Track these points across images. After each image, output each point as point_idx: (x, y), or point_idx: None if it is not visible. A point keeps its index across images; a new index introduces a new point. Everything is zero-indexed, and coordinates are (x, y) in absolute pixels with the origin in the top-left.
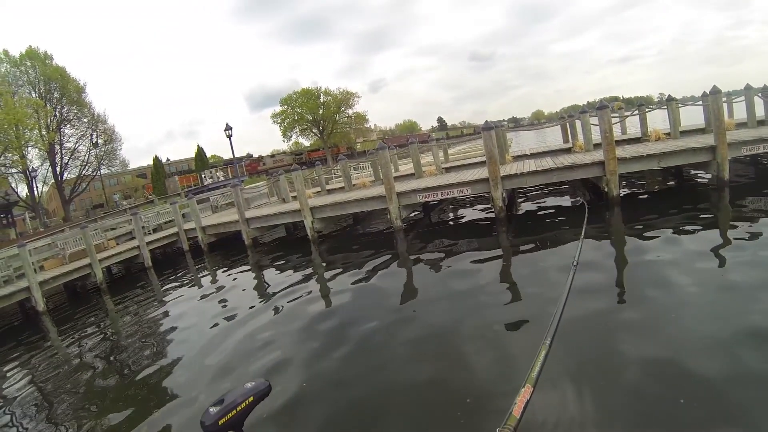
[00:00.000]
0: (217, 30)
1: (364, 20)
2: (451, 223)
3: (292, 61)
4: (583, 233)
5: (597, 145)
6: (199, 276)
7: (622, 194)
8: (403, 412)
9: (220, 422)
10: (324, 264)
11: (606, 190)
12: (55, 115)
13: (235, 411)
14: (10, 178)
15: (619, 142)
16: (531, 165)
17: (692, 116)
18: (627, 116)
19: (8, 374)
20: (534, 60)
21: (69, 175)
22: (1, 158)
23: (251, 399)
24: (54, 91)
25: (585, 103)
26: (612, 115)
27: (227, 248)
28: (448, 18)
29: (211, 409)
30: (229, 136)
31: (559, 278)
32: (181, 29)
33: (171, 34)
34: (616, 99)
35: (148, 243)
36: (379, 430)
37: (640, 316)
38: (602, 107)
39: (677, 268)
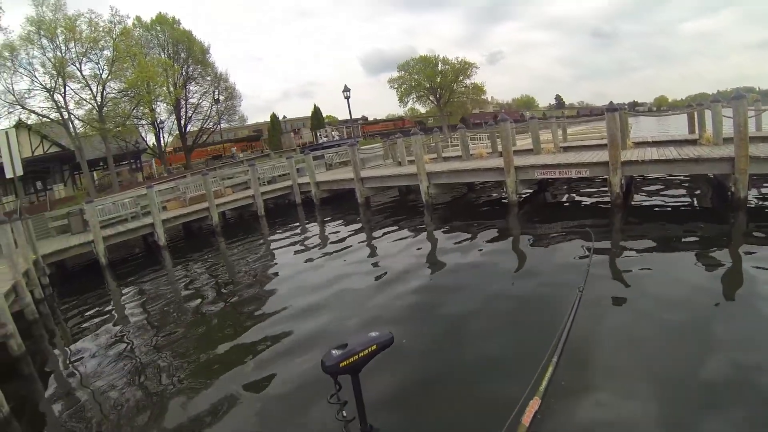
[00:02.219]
0: None
1: None
2: (565, 204)
3: (410, 28)
4: (589, 262)
5: (727, 140)
6: (309, 228)
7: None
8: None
9: (341, 365)
10: (435, 229)
11: (732, 190)
12: (182, 73)
13: (357, 356)
14: (140, 128)
15: (753, 139)
16: (653, 153)
17: None
18: (764, 110)
19: (130, 295)
20: (660, 40)
21: (192, 128)
22: (135, 111)
23: (374, 347)
24: (181, 52)
25: (715, 91)
26: (748, 107)
27: (339, 204)
28: None
29: (334, 352)
30: (347, 98)
31: (667, 274)
32: None
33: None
34: (750, 90)
35: (263, 193)
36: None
37: (736, 334)
38: (739, 97)
39: None
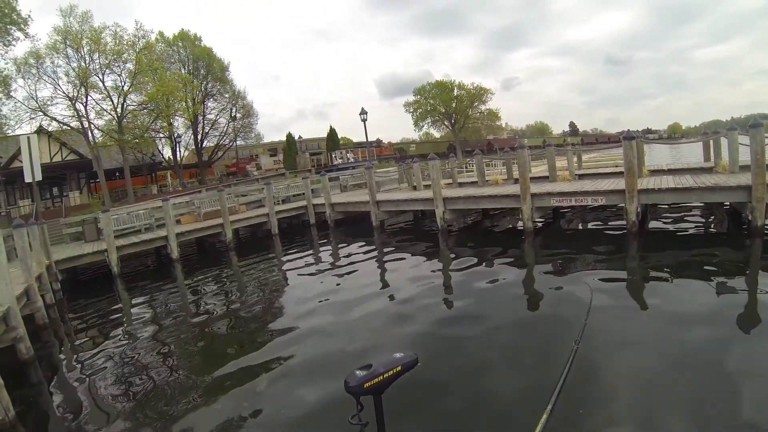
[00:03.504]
0: (350, 17)
1: (499, 15)
2: (580, 231)
3: (426, 53)
4: (588, 313)
5: (743, 167)
6: (322, 250)
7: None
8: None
9: (365, 385)
10: (449, 255)
11: (749, 218)
12: (201, 89)
13: (381, 377)
14: (157, 141)
15: None
16: (669, 181)
17: None
18: None
19: (140, 306)
20: (674, 67)
21: (208, 143)
22: (153, 124)
23: (399, 368)
24: (201, 69)
25: (729, 118)
26: (764, 134)
27: (353, 227)
28: (584, 17)
29: (358, 372)
30: (364, 120)
31: (681, 306)
32: (314, 15)
33: (306, 20)
34: (764, 117)
35: (277, 212)
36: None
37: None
38: (756, 125)
39: None
